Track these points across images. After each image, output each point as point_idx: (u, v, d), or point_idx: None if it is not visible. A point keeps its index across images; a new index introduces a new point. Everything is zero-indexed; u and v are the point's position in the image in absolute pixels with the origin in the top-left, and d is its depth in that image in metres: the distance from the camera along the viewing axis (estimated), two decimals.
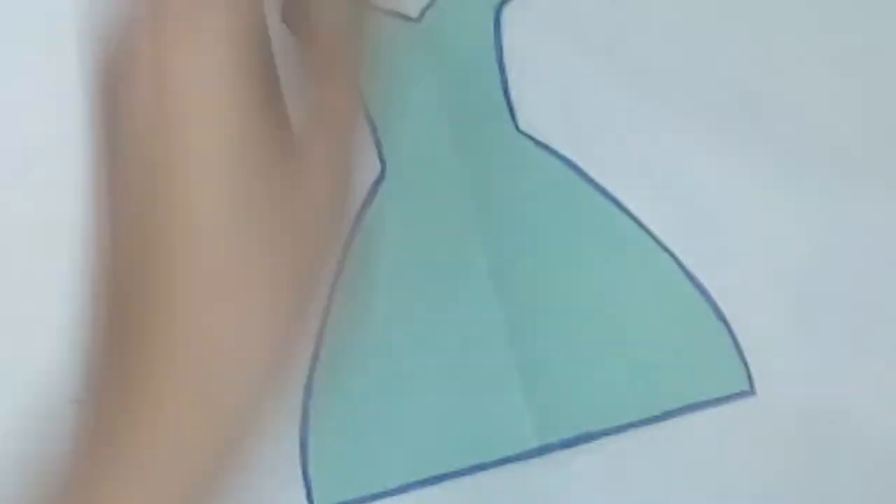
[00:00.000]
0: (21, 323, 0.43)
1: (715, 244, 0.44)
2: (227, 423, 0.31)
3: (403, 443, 0.43)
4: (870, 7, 0.45)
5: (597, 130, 0.44)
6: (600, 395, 0.43)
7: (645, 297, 0.44)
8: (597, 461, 0.42)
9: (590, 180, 0.44)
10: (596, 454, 0.42)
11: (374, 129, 0.44)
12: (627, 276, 0.44)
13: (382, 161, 0.44)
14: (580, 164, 0.44)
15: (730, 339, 0.43)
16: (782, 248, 0.43)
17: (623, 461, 0.42)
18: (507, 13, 0.45)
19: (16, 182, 0.44)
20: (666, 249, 0.44)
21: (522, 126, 0.44)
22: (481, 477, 0.42)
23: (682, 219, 0.44)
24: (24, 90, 0.44)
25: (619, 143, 0.44)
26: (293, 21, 0.36)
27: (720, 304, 0.43)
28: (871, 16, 0.45)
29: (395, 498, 0.42)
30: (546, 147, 0.44)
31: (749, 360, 0.43)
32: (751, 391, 0.43)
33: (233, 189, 0.31)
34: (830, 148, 0.44)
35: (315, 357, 0.42)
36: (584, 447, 0.42)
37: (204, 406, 0.31)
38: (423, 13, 0.44)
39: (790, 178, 0.43)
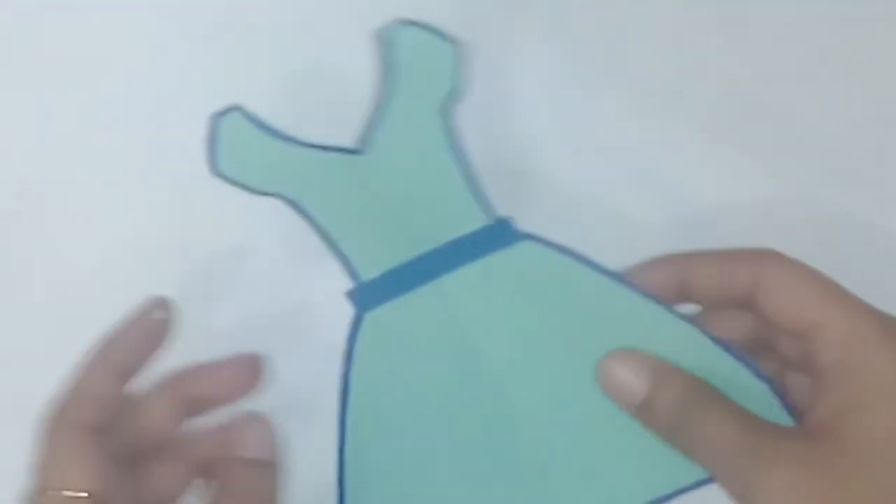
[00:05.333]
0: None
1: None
2: None
3: None
4: (866, 10, 0.45)
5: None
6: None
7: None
8: None
9: (586, 262, 0.41)
10: None
11: (343, 259, 0.41)
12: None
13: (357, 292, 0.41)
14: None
15: (773, 396, 0.40)
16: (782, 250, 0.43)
17: None
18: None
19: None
20: (687, 321, 0.40)
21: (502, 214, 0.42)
22: None
23: (682, 224, 0.44)
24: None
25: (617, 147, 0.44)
26: None
27: None
28: (866, 19, 0.45)
29: None
30: (533, 237, 0.41)
31: None
32: None
33: None
34: (828, 150, 0.44)
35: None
36: None
37: None
38: (363, 142, 0.41)
39: (789, 179, 0.43)
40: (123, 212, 0.44)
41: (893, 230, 0.44)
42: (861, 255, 0.45)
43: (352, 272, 0.42)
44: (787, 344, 0.41)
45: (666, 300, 0.41)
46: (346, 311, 0.42)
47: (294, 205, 0.41)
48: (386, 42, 0.42)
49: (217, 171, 0.41)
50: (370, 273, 0.42)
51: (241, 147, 0.41)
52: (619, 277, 0.41)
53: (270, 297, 0.44)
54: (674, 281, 0.41)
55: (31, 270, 0.44)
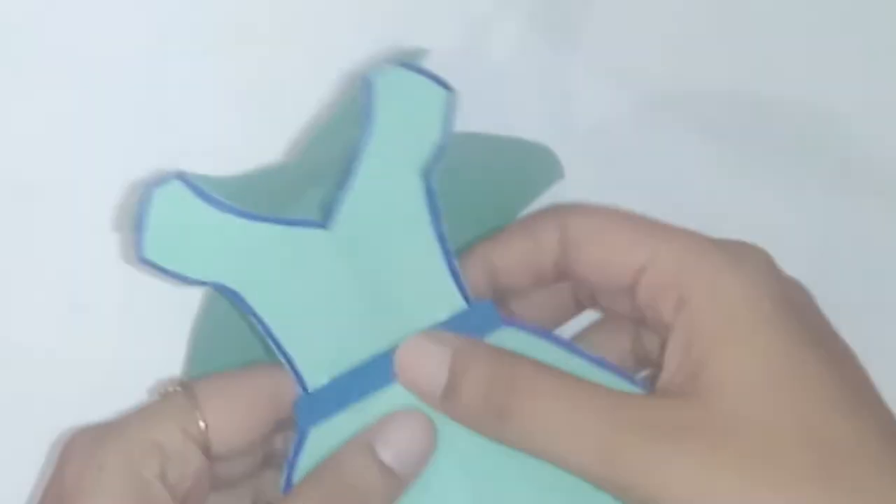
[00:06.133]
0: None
1: None
2: None
3: None
4: (869, 8, 0.44)
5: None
6: None
7: None
8: None
9: (572, 349, 0.34)
10: None
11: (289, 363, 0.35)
12: None
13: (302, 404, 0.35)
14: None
15: None
16: (782, 251, 0.39)
17: None
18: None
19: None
20: None
21: None
22: None
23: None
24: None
25: (618, 148, 0.43)
26: None
27: None
28: (870, 17, 0.44)
29: None
30: (515, 323, 0.35)
31: None
32: None
33: None
34: (830, 151, 0.43)
35: None
36: None
37: None
38: (327, 213, 0.35)
39: (790, 180, 0.43)
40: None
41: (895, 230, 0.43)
42: (863, 254, 0.43)
43: (299, 379, 0.35)
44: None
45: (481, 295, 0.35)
46: None
47: (234, 295, 0.34)
48: (367, 86, 0.35)
49: (144, 258, 0.33)
50: (320, 379, 0.34)
51: (179, 226, 0.34)
52: (607, 366, 0.34)
53: None
54: (482, 272, 0.35)
55: (32, 270, 0.43)
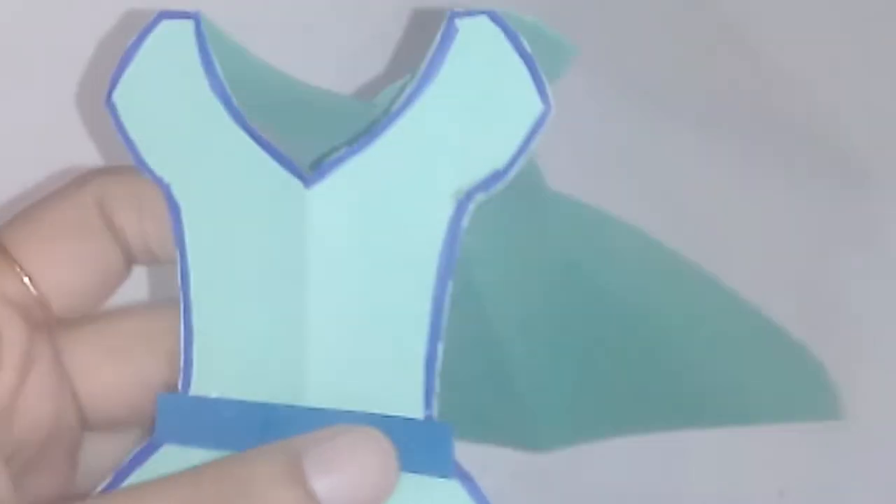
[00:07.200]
0: None
1: (713, 248, 0.38)
2: None
3: None
4: (869, 9, 0.44)
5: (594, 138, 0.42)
6: None
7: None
8: None
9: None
10: None
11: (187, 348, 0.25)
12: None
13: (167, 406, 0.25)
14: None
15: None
16: (782, 252, 0.42)
17: None
18: None
19: None
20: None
21: None
22: None
23: (680, 224, 0.41)
24: None
25: (617, 148, 0.42)
26: None
27: None
28: (870, 17, 0.44)
29: None
30: (468, 480, 0.24)
31: None
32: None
33: None
34: (831, 151, 0.43)
35: None
36: None
37: None
38: (317, 167, 0.24)
39: (790, 180, 0.43)
40: None
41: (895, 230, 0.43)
42: (864, 254, 0.43)
43: (185, 368, 0.24)
44: None
45: None
46: None
47: (173, 205, 0.24)
48: (448, 27, 0.24)
49: (111, 101, 0.24)
50: (208, 387, 0.24)
51: (162, 82, 0.24)
52: None
53: None
54: None
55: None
